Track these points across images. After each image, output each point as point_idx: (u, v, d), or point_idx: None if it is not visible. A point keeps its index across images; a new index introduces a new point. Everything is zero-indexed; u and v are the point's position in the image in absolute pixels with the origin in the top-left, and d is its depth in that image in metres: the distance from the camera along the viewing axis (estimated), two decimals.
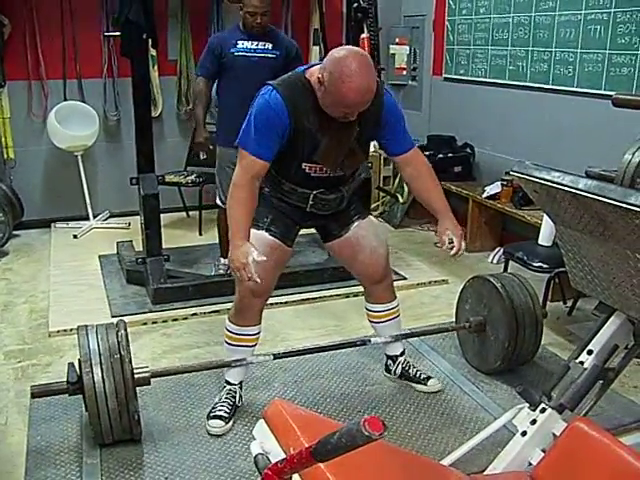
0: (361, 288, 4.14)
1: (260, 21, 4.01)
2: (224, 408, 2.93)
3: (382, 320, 3.17)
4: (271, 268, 2.77)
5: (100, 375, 2.57)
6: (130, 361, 2.64)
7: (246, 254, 2.50)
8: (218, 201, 4.43)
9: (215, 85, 4.29)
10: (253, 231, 2.81)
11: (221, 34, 4.47)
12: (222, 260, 4.55)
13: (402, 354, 3.29)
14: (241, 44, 4.10)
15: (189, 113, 6.16)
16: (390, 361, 3.30)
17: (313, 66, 2.63)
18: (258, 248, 2.69)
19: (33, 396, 2.70)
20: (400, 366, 3.27)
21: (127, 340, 2.68)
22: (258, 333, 2.98)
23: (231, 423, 2.91)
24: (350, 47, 2.58)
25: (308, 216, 2.89)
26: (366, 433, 1.05)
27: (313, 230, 3.12)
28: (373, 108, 2.57)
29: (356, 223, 2.97)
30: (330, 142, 2.61)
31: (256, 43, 4.11)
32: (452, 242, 2.76)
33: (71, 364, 2.67)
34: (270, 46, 4.13)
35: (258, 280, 2.52)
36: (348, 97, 2.39)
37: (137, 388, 2.67)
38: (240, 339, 2.93)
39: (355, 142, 2.69)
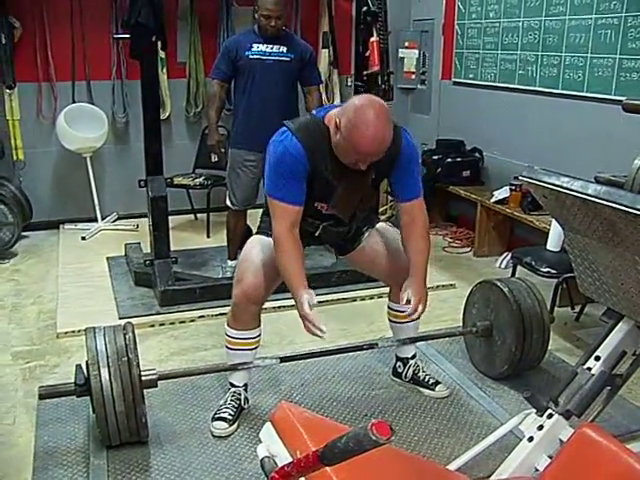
0: (368, 292, 4.17)
1: (274, 24, 4.04)
2: (228, 410, 2.93)
3: (404, 321, 3.15)
4: (271, 274, 2.77)
5: (108, 378, 2.57)
6: (138, 365, 2.64)
7: (302, 304, 2.50)
8: (228, 202, 4.45)
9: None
10: (262, 237, 2.85)
11: (236, 37, 4.47)
12: (229, 262, 4.55)
13: (414, 357, 3.29)
14: (256, 47, 4.12)
15: (197, 115, 6.18)
16: (400, 363, 3.29)
17: (331, 110, 2.62)
18: (262, 249, 2.73)
19: (41, 397, 2.71)
20: (411, 369, 3.26)
21: (135, 343, 2.68)
22: (258, 336, 2.97)
23: (235, 425, 2.91)
24: (371, 96, 2.58)
25: (315, 239, 2.92)
26: (374, 437, 1.05)
27: None
28: (390, 152, 2.55)
29: (366, 234, 2.99)
30: (345, 190, 2.65)
31: (271, 46, 4.13)
32: (409, 302, 2.69)
33: (79, 366, 2.67)
34: (285, 49, 4.15)
35: (322, 332, 2.49)
36: (362, 145, 2.40)
37: (144, 390, 2.67)
38: (240, 343, 2.93)
39: (369, 187, 2.73)
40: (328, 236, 2.90)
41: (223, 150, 4.40)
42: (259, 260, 2.79)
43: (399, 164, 2.70)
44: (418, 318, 2.86)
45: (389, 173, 2.74)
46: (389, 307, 3.21)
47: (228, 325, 2.94)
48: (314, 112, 2.75)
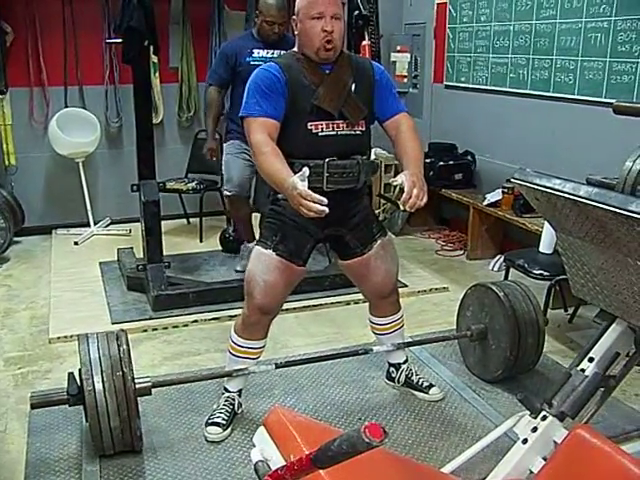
0: (362, 296, 4.14)
1: (277, 30, 4.04)
2: (222, 415, 2.92)
3: (387, 332, 3.17)
4: (280, 289, 2.76)
5: (102, 392, 2.54)
6: (133, 379, 2.62)
7: (294, 185, 2.27)
8: (225, 191, 4.42)
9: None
10: (261, 250, 2.77)
11: (235, 42, 4.39)
12: (248, 245, 4.48)
13: (405, 362, 3.28)
14: (257, 53, 4.09)
15: (190, 120, 6.18)
16: (393, 369, 3.29)
17: None
18: (264, 269, 2.72)
19: (33, 407, 2.68)
20: (403, 374, 3.26)
21: (129, 355, 2.65)
22: (263, 347, 2.96)
23: (229, 430, 2.90)
24: None
25: (327, 222, 2.59)
26: (366, 440, 1.05)
27: None
28: (362, 66, 2.77)
29: (379, 242, 2.92)
30: (327, 88, 2.67)
31: (272, 52, 4.09)
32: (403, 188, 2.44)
33: (71, 374, 2.64)
34: None
35: (324, 206, 2.22)
36: None
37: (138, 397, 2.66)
38: (245, 352, 2.91)
39: (352, 93, 2.71)
40: (337, 180, 2.66)
41: (215, 159, 4.44)
42: (265, 279, 2.74)
43: (376, 81, 2.77)
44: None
45: (369, 89, 2.75)
46: (371, 321, 3.20)
47: (236, 333, 2.91)
48: None
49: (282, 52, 3.97)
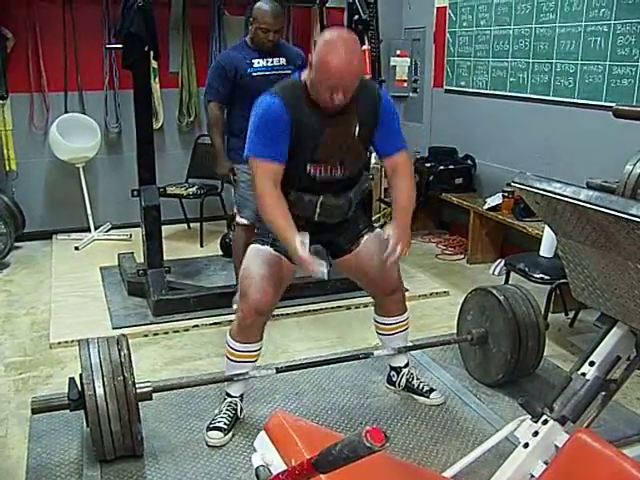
0: (363, 300, 4.14)
1: (272, 38, 3.85)
2: (223, 420, 2.92)
3: (391, 333, 3.17)
4: (275, 284, 2.77)
5: (103, 397, 2.53)
6: (134, 384, 2.61)
7: (297, 250, 2.49)
8: (240, 219, 4.04)
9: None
10: (257, 247, 2.84)
11: (230, 53, 4.08)
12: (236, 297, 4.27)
13: (406, 365, 3.28)
14: (257, 63, 3.89)
15: (190, 125, 6.19)
16: (394, 372, 3.29)
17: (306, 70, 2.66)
18: (261, 264, 2.73)
19: (34, 412, 2.68)
20: (404, 377, 3.25)
21: (130, 360, 2.65)
22: (260, 349, 2.96)
23: (230, 435, 2.90)
24: (337, 27, 2.66)
25: (316, 229, 2.81)
26: (367, 444, 1.05)
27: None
28: (369, 102, 2.67)
29: (365, 237, 2.96)
30: (331, 135, 2.64)
31: (271, 60, 3.92)
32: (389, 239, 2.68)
33: (72, 379, 2.64)
34: (284, 61, 3.95)
35: (323, 271, 2.48)
36: (332, 69, 2.45)
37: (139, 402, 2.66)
38: (242, 355, 2.91)
39: (356, 137, 2.71)
40: (327, 215, 2.81)
41: (235, 177, 4.04)
42: (261, 274, 2.77)
43: (381, 117, 2.73)
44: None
45: (373, 128, 2.74)
46: (376, 321, 3.21)
47: (232, 337, 2.91)
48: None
49: (282, 60, 3.93)
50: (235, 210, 4.16)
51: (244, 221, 3.98)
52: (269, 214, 2.61)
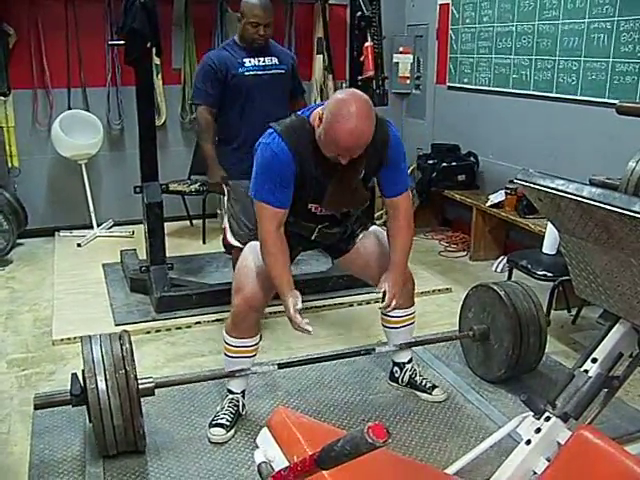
0: (365, 297, 4.14)
1: (263, 33, 3.62)
2: (226, 416, 2.92)
3: (398, 326, 3.17)
4: (270, 281, 2.76)
5: (105, 391, 2.54)
6: (136, 377, 2.62)
7: (288, 308, 2.63)
8: (232, 240, 3.75)
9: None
10: (254, 243, 2.84)
11: (219, 53, 3.81)
12: None
13: (410, 361, 3.28)
14: (248, 62, 3.68)
15: (193, 122, 6.18)
16: (397, 368, 3.29)
17: (316, 108, 2.61)
18: (258, 258, 2.75)
19: (36, 408, 2.69)
20: (407, 374, 3.25)
21: (132, 354, 2.66)
22: (257, 343, 2.97)
23: (232, 431, 2.91)
24: (354, 90, 2.57)
25: (312, 243, 2.96)
26: (370, 440, 1.05)
27: None
28: (378, 148, 2.61)
29: (361, 235, 3.01)
30: (335, 187, 2.64)
31: (263, 59, 3.72)
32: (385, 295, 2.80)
33: (74, 375, 2.65)
34: (277, 60, 3.76)
35: (309, 332, 2.64)
36: (341, 138, 2.40)
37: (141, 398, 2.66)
38: (239, 351, 2.92)
39: (360, 182, 2.72)
40: (324, 239, 2.92)
41: (229, 187, 3.77)
42: (256, 268, 2.80)
43: (388, 162, 2.71)
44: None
45: (378, 170, 2.75)
46: (383, 313, 3.20)
47: (227, 333, 2.92)
48: (299, 112, 2.72)
49: (274, 59, 3.73)
50: (226, 226, 3.84)
51: (238, 244, 3.61)
52: (270, 262, 2.68)
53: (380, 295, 2.81)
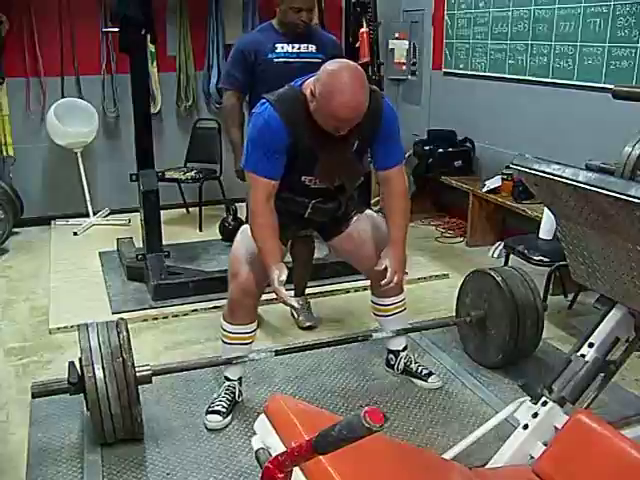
0: (362, 283, 4.13)
1: (305, 18, 3.43)
2: (222, 403, 2.93)
3: (388, 314, 3.17)
4: (262, 266, 2.75)
5: (103, 379, 2.54)
6: (133, 365, 2.62)
7: (273, 281, 2.59)
8: None
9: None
10: (247, 226, 2.84)
11: (252, 36, 3.71)
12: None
13: (404, 349, 3.29)
14: (280, 48, 3.48)
15: (188, 109, 6.16)
16: (392, 355, 3.29)
17: (309, 79, 2.58)
18: (251, 245, 2.73)
19: (34, 396, 2.68)
20: (402, 361, 3.26)
21: (129, 342, 2.66)
22: (254, 330, 2.97)
23: (229, 418, 2.91)
24: (345, 60, 2.55)
25: (305, 222, 2.93)
26: (366, 424, 1.05)
27: None
28: (372, 119, 2.58)
29: (355, 218, 2.99)
30: (328, 157, 2.63)
31: (298, 46, 3.50)
32: (387, 269, 2.77)
33: (72, 363, 2.64)
34: (314, 48, 3.53)
35: (295, 305, 2.66)
36: (338, 112, 2.40)
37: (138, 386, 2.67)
38: (236, 337, 2.93)
39: (354, 154, 2.70)
40: (318, 215, 2.87)
41: None
42: (251, 254, 2.78)
43: (382, 132, 2.69)
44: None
45: (372, 141, 2.73)
46: (373, 302, 3.21)
47: (224, 319, 2.93)
48: (292, 83, 2.67)
49: (311, 47, 3.52)
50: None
51: None
52: (257, 233, 2.67)
53: (369, 283, 2.81)
